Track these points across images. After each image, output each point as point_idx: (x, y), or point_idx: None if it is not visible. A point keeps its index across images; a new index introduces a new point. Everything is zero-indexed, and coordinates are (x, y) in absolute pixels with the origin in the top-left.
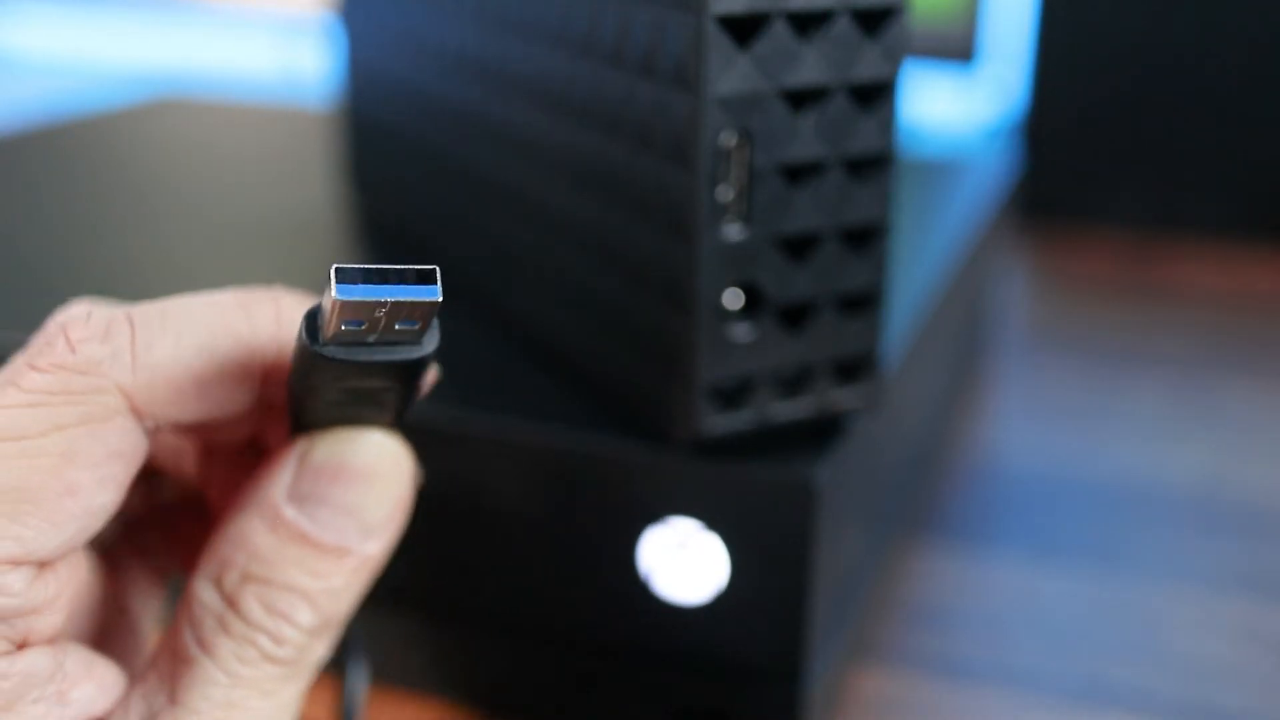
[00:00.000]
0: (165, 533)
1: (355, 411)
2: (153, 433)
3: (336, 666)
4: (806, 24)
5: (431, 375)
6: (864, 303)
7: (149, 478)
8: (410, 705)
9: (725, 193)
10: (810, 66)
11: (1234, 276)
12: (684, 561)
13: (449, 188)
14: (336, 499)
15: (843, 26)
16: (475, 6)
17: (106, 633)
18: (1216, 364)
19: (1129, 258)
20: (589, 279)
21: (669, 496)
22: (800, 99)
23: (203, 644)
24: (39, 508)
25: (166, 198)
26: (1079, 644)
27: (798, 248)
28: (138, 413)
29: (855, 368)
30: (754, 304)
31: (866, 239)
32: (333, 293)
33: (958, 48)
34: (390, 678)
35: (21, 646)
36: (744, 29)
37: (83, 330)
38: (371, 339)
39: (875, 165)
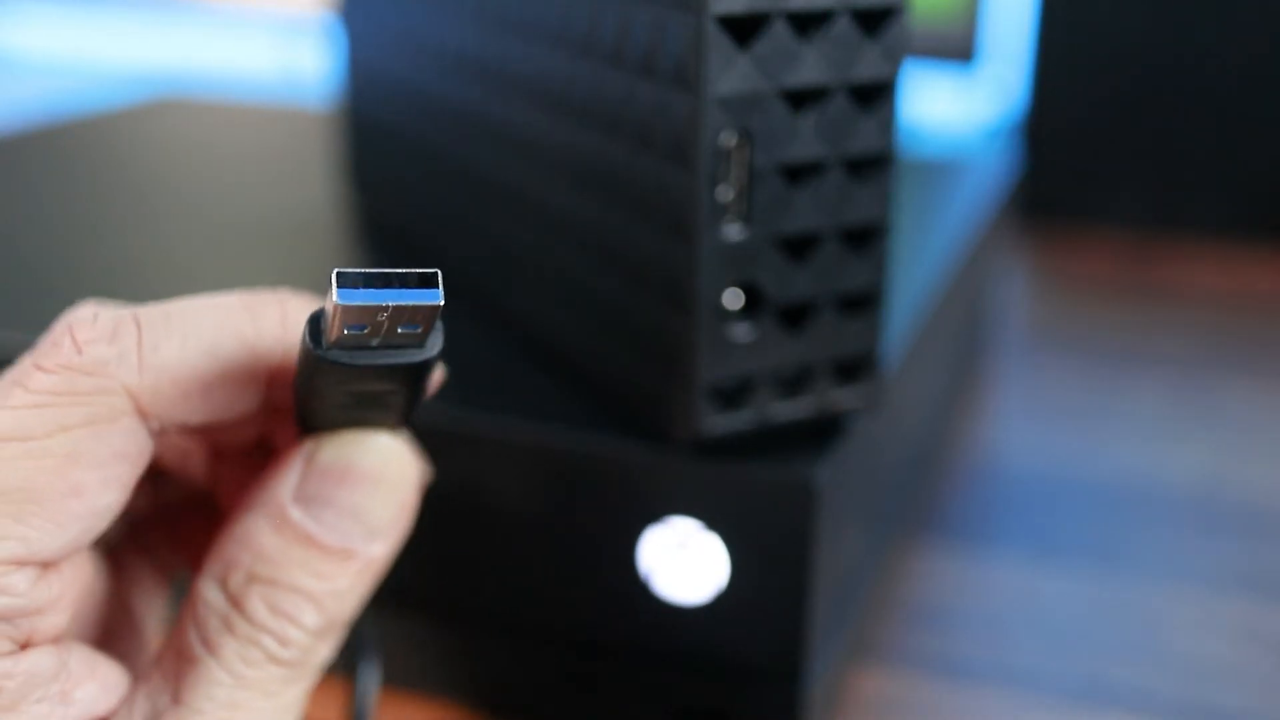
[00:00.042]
0: (171, 533)
1: (361, 414)
2: (157, 434)
3: (348, 667)
4: (806, 24)
5: (438, 376)
6: (864, 303)
7: (155, 478)
8: (410, 705)
9: (725, 193)
10: (810, 66)
11: (1234, 276)
12: (684, 561)
13: (449, 188)
14: (342, 501)
15: (843, 26)
16: (475, 6)
17: (110, 632)
18: (1216, 364)
19: (1129, 258)
20: (589, 279)
21: (669, 496)
22: (800, 99)
23: (207, 644)
24: (44, 508)
25: (166, 198)
26: (1079, 644)
27: (798, 248)
28: (143, 414)
29: (855, 368)
30: (754, 304)
31: (866, 239)
32: (334, 297)
33: (958, 48)
34: (390, 677)
35: (25, 646)
36: (744, 29)
37: (89, 331)
38: (375, 342)
39: (875, 165)
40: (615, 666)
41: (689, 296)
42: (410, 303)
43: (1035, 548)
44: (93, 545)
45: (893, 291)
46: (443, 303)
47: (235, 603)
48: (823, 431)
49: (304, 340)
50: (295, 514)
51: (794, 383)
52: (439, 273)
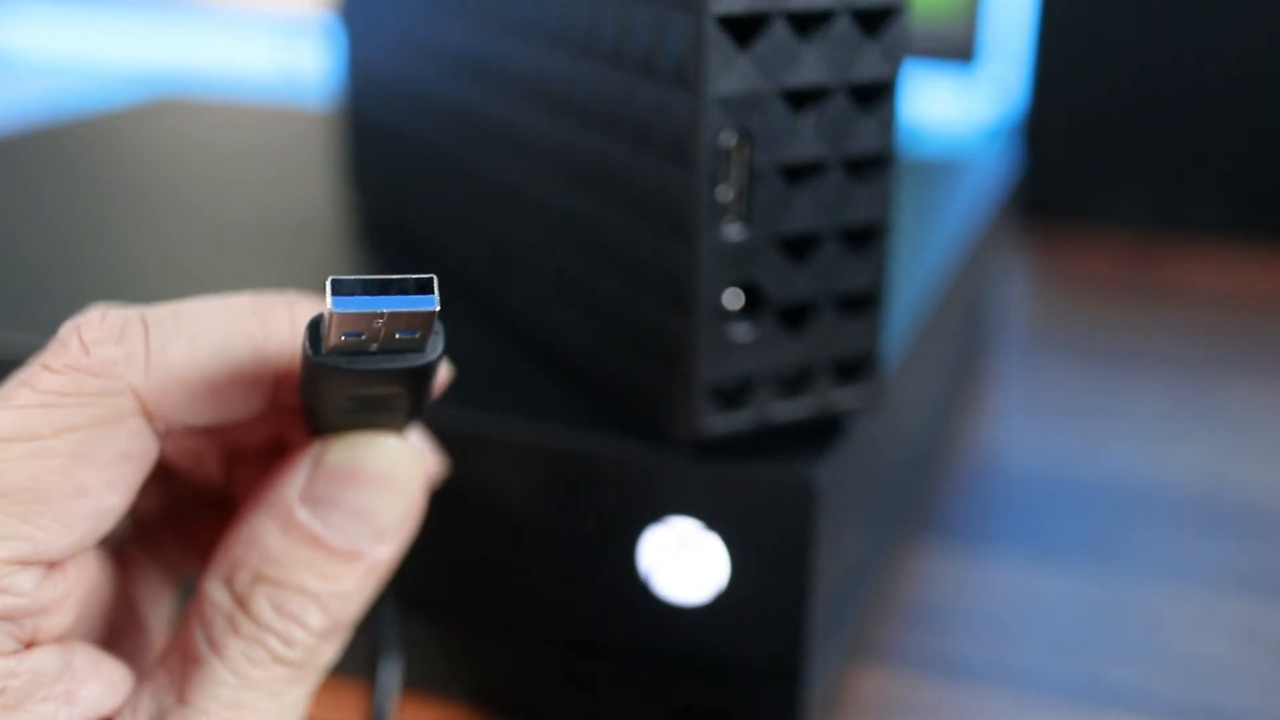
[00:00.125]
0: (184, 533)
1: (366, 417)
2: (163, 435)
3: (369, 667)
4: (806, 24)
5: (444, 377)
6: (864, 303)
7: (166, 479)
8: (409, 705)
9: (725, 193)
10: (810, 66)
11: (1234, 276)
12: (684, 561)
13: (449, 188)
14: (349, 503)
15: (843, 26)
16: (475, 6)
17: (115, 632)
18: (1216, 364)
19: (1129, 258)
20: (589, 279)
21: (669, 496)
22: (800, 99)
23: (212, 644)
24: (49, 508)
25: (166, 198)
26: (1079, 644)
27: (798, 248)
28: (149, 415)
29: (855, 368)
30: (754, 304)
31: (866, 239)
32: (328, 305)
33: (958, 48)
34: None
35: (30, 645)
36: (744, 29)
37: (97, 331)
38: (374, 347)
39: (875, 165)
40: (615, 666)
41: (689, 296)
42: (406, 309)
43: (1035, 548)
44: (98, 545)
45: (893, 291)
46: (438, 308)
47: (241, 603)
48: (823, 431)
49: (304, 346)
50: (302, 515)
51: (794, 383)
52: (434, 278)
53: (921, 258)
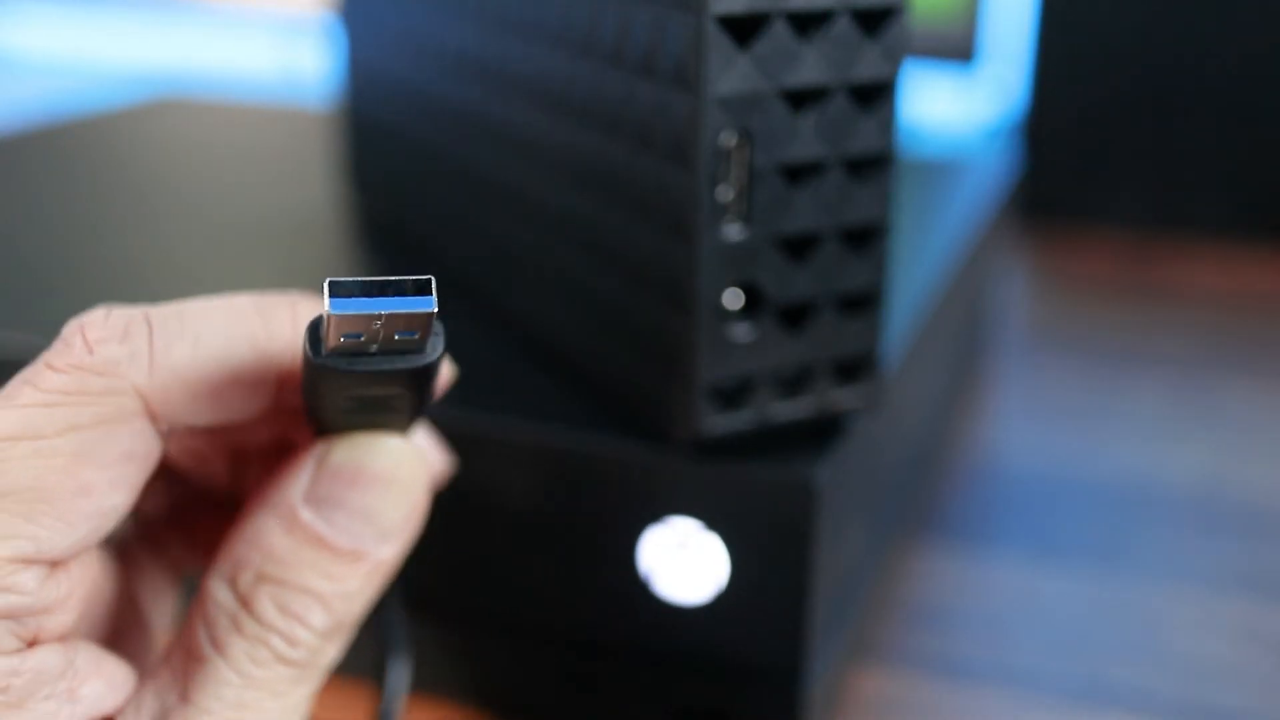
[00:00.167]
0: (187, 533)
1: (368, 417)
2: (166, 435)
3: (377, 668)
4: (806, 24)
5: (447, 377)
6: (864, 303)
7: (171, 479)
8: (410, 704)
9: (725, 193)
10: (810, 66)
11: (1234, 276)
12: (684, 561)
13: (449, 188)
14: (353, 503)
15: (843, 26)
16: (475, 6)
17: (118, 631)
18: (1216, 364)
19: (1129, 258)
20: (589, 279)
21: (669, 496)
22: (800, 99)
23: (216, 643)
24: (53, 507)
25: (166, 198)
26: (1079, 644)
27: (798, 248)
28: (152, 415)
29: (855, 368)
30: (754, 304)
31: (866, 239)
32: (326, 307)
33: (958, 48)
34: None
35: (32, 644)
36: (744, 29)
37: (101, 330)
38: (373, 348)
39: (875, 165)
40: (615, 666)
41: (689, 296)
42: (403, 310)
43: (1035, 548)
44: (102, 544)
45: (893, 291)
46: (436, 310)
47: (244, 602)
48: (823, 431)
49: (304, 347)
50: (306, 515)
51: (794, 383)
52: (432, 280)
53: (921, 258)
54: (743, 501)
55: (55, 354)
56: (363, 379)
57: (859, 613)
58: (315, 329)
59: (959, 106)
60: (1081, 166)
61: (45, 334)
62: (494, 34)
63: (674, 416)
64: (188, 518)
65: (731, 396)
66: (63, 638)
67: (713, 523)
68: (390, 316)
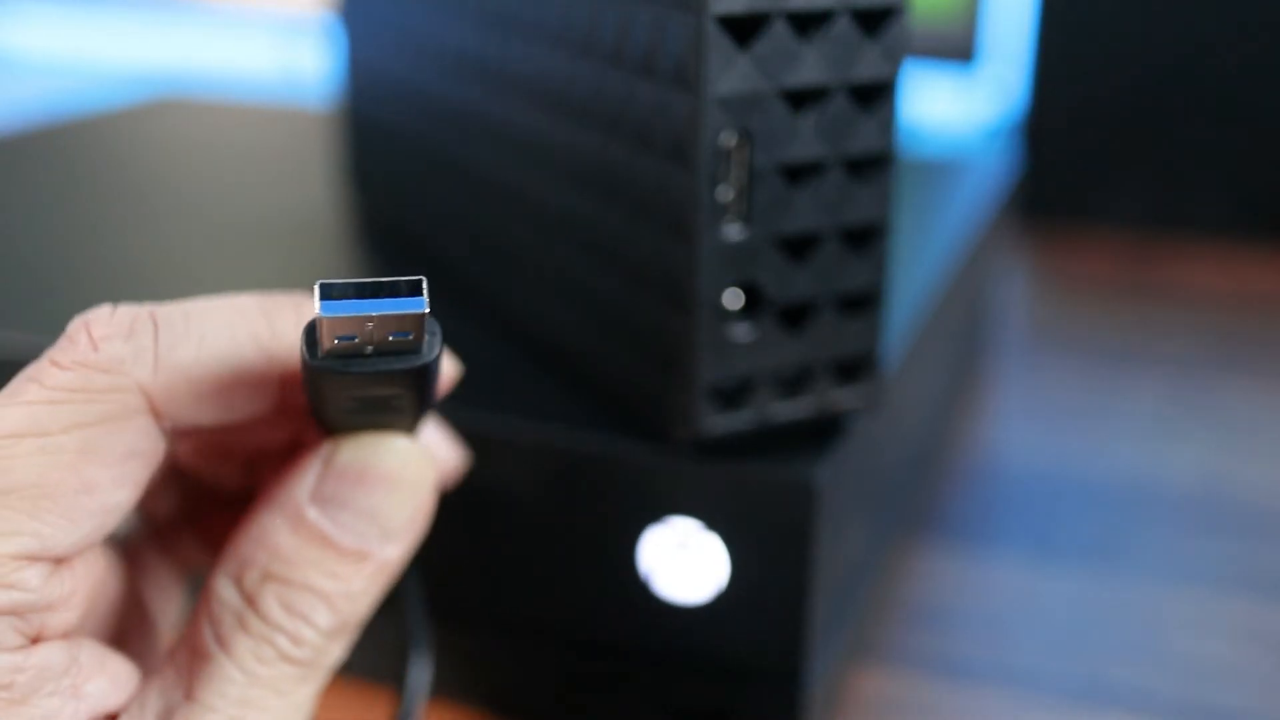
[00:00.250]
0: (203, 534)
1: (371, 418)
2: (170, 433)
3: (398, 667)
4: (806, 24)
5: (450, 377)
6: (864, 303)
7: (183, 481)
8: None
9: (725, 193)
10: (810, 66)
11: (1234, 276)
12: (684, 561)
13: (449, 188)
14: (359, 503)
15: (843, 26)
16: (475, 6)
17: (123, 630)
18: (1216, 364)
19: (1129, 258)
20: (589, 279)
21: (669, 496)
22: (800, 99)
23: (221, 641)
24: (56, 504)
25: (166, 198)
26: (1079, 644)
27: (798, 248)
28: (156, 413)
29: (855, 368)
30: (754, 304)
31: (866, 239)
32: (316, 309)
33: (958, 48)
34: (389, 678)
35: (36, 641)
36: (744, 29)
37: (106, 328)
38: (369, 349)
39: (875, 165)
40: (615, 666)
41: (689, 296)
42: (394, 311)
43: (1035, 548)
44: (108, 543)
45: (893, 291)
46: (427, 311)
47: (250, 601)
48: (823, 431)
49: (301, 350)
50: (312, 514)
51: (794, 383)
52: (424, 280)
53: (921, 258)
54: (743, 501)
55: (60, 351)
56: (360, 380)
57: (859, 613)
58: (311, 331)
59: (959, 106)
60: (1081, 166)
61: (45, 334)
62: (494, 34)
63: (674, 416)
64: (202, 519)
65: (731, 396)
66: (66, 635)
67: (713, 523)
68: (382, 318)
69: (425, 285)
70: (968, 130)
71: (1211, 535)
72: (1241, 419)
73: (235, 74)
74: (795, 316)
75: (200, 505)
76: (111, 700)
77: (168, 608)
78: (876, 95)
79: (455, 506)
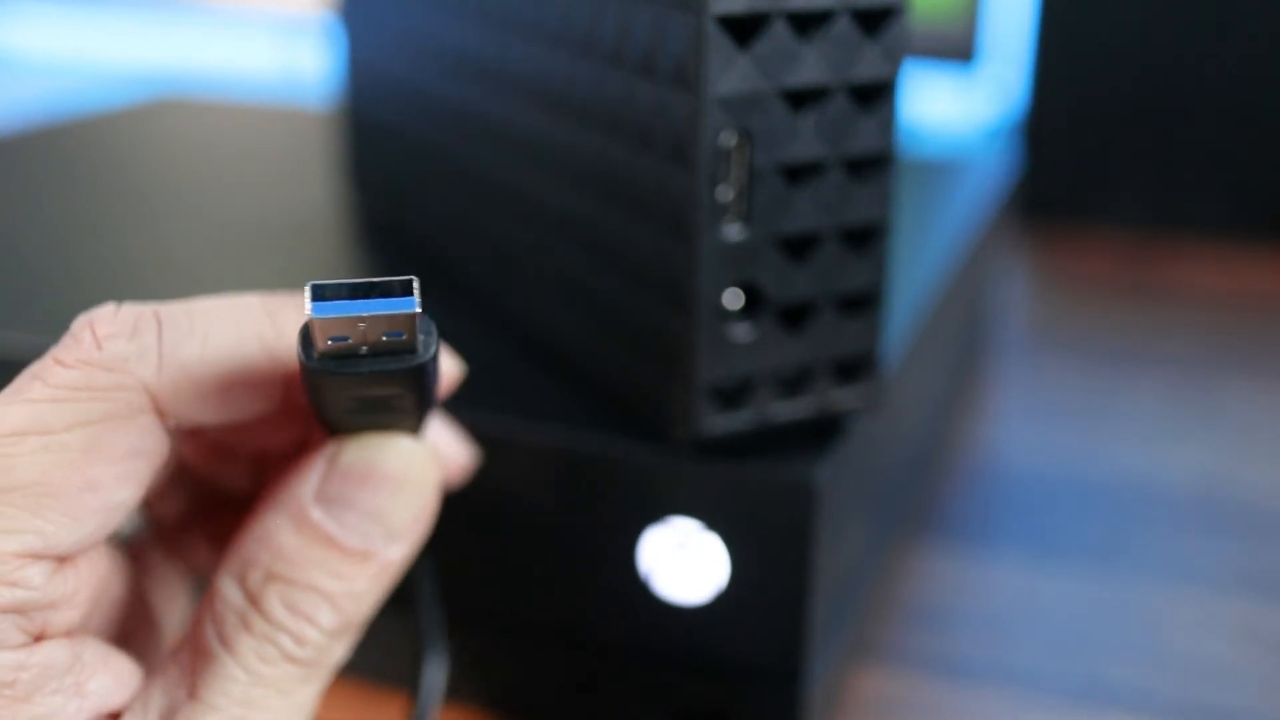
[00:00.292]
0: (211, 535)
1: (373, 417)
2: (174, 432)
3: (413, 667)
4: (806, 24)
5: (453, 376)
6: (864, 303)
7: (190, 482)
8: (409, 704)
9: (725, 193)
10: (810, 66)
11: (1234, 276)
12: (684, 561)
13: (449, 188)
14: (363, 503)
15: (843, 26)
16: (475, 6)
17: (128, 630)
18: (1216, 364)
19: (1129, 258)
20: (589, 279)
21: (669, 496)
22: (800, 99)
23: (224, 641)
24: (60, 502)
25: (166, 198)
26: (1079, 644)
27: (798, 248)
28: (160, 412)
29: (855, 368)
30: (754, 304)
31: (866, 239)
32: (307, 310)
33: (958, 48)
34: (389, 678)
35: (39, 639)
36: (744, 29)
37: (110, 326)
38: (364, 350)
39: (875, 165)
40: (615, 666)
41: (689, 296)
42: (384, 312)
43: (1035, 548)
44: (113, 544)
45: (893, 291)
46: (418, 311)
47: (253, 600)
48: (823, 431)
49: (298, 351)
50: (316, 514)
51: (794, 383)
52: (415, 280)
53: (921, 258)
54: (743, 501)
55: (64, 349)
56: (356, 381)
57: (859, 613)
58: (307, 332)
59: (959, 106)
60: (1081, 166)
61: (45, 334)
62: (494, 34)
63: (674, 416)
64: (211, 521)
65: (731, 396)
66: (69, 633)
67: (713, 523)
68: (374, 318)
69: (417, 285)
70: (968, 130)
71: (1211, 535)
72: (1241, 419)
73: (235, 74)
74: (795, 316)
75: (209, 507)
76: (114, 698)
77: (173, 608)
78: (876, 95)
79: (455, 507)
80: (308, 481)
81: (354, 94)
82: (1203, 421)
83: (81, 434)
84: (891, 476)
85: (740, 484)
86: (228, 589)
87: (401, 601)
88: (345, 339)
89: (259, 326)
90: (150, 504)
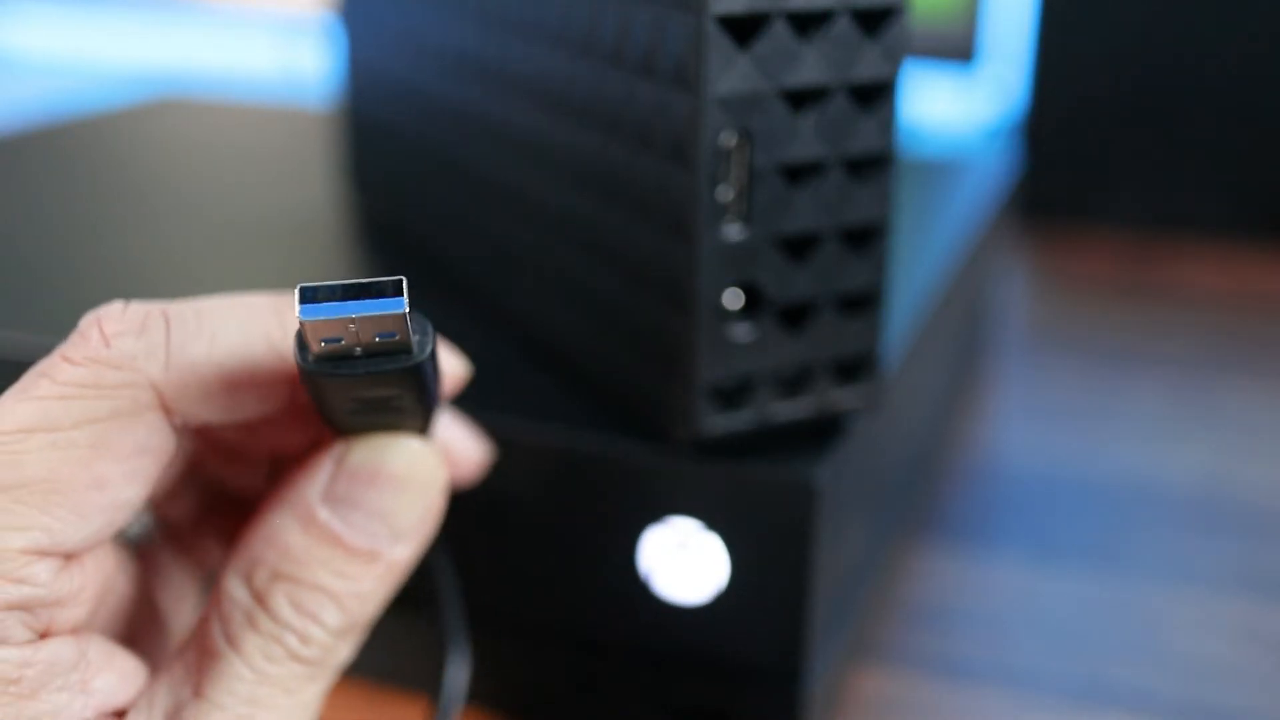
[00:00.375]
0: (224, 537)
1: (376, 418)
2: (181, 430)
3: (436, 669)
4: (806, 24)
5: (457, 376)
6: (864, 303)
7: (202, 482)
8: (410, 705)
9: (725, 193)
10: (810, 66)
11: (1234, 276)
12: (684, 561)
13: (449, 188)
14: (370, 503)
15: (843, 26)
16: (475, 6)
17: (134, 630)
18: (1216, 364)
19: (1129, 258)
20: (589, 279)
21: (669, 496)
22: (800, 99)
23: (230, 639)
24: (67, 499)
25: (166, 198)
26: (1079, 644)
27: (798, 248)
28: (167, 410)
29: (855, 368)
30: (754, 304)
31: (866, 239)
32: (296, 312)
33: (958, 48)
34: (389, 677)
35: (44, 636)
36: (744, 29)
37: (118, 324)
38: (358, 351)
39: (875, 165)
40: (615, 666)
41: (689, 296)
42: (372, 313)
43: (1035, 548)
44: (120, 543)
45: (893, 291)
46: (406, 311)
47: (259, 599)
48: (823, 431)
49: (294, 353)
50: (323, 514)
51: (794, 383)
52: (403, 280)
53: (921, 258)
54: (743, 501)
55: (72, 347)
56: (352, 382)
57: (859, 613)
58: (302, 335)
59: (959, 106)
60: (1081, 166)
61: (45, 334)
62: (494, 34)
63: (674, 416)
64: (222, 521)
65: (731, 396)
66: (75, 631)
67: (713, 523)
68: (364, 320)
69: (406, 285)
70: (968, 130)
71: (1211, 535)
72: (1241, 419)
73: (235, 74)
74: (795, 316)
75: (220, 507)
76: (120, 696)
77: (181, 608)
78: (876, 95)
79: (455, 507)
80: (315, 481)
81: (354, 94)
82: (1203, 421)
83: (89, 431)
84: (891, 476)
85: (740, 484)
86: (234, 588)
87: (408, 602)
88: (338, 340)
89: (266, 326)
90: (161, 504)
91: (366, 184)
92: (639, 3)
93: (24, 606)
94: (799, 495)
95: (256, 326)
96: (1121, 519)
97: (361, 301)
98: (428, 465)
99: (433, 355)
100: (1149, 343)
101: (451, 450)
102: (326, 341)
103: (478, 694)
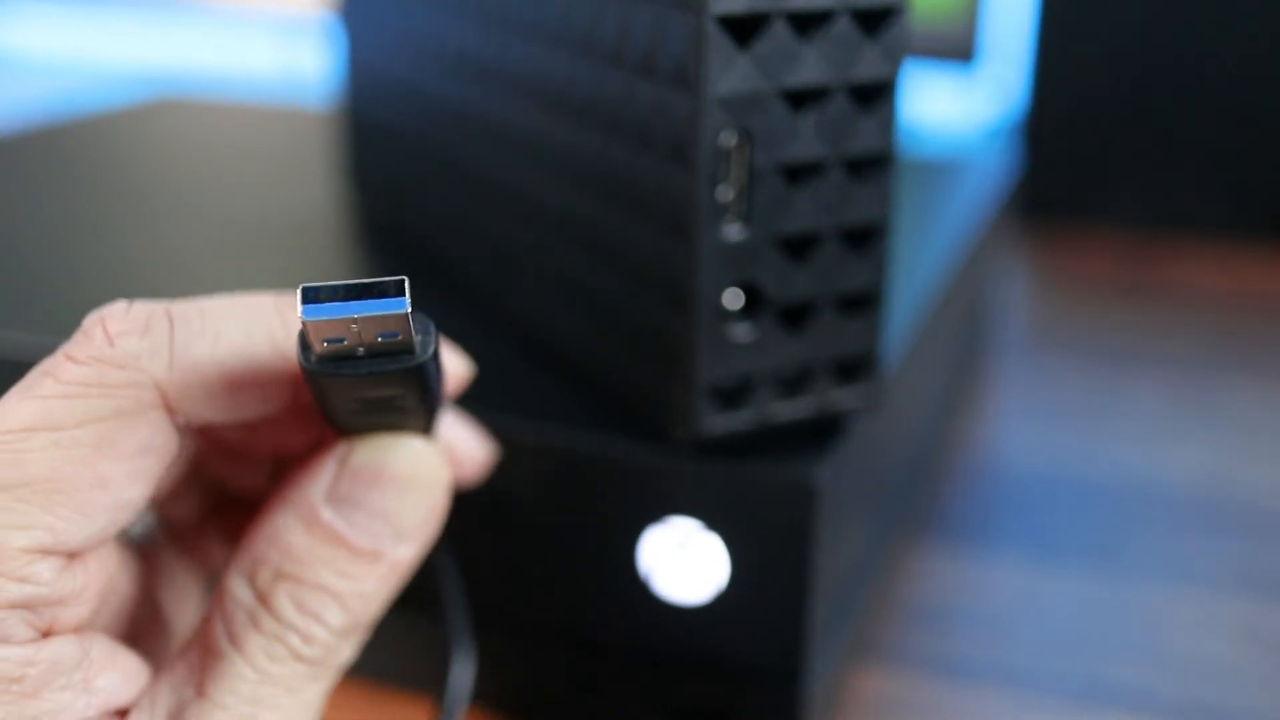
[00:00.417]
0: (228, 537)
1: (380, 418)
2: (185, 430)
3: (440, 668)
4: (806, 24)
5: (460, 376)
6: (864, 303)
7: (206, 483)
8: (409, 705)
9: (725, 193)
10: (810, 66)
11: (1234, 276)
12: (684, 561)
13: (449, 188)
14: (373, 503)
15: (843, 26)
16: (475, 6)
17: (137, 629)
18: (1216, 364)
19: (1129, 258)
20: (589, 279)
21: (669, 496)
22: (800, 99)
23: (233, 639)
24: (70, 498)
25: (166, 198)
26: (1079, 644)
27: (798, 248)
28: (171, 409)
29: (855, 368)
30: (754, 304)
31: (866, 239)
32: (298, 313)
33: (958, 48)
34: (389, 677)
35: (47, 635)
36: (744, 29)
37: (121, 323)
38: (361, 351)
39: (875, 165)
40: (615, 666)
41: (689, 296)
42: (375, 313)
43: (1035, 548)
44: (124, 542)
45: (893, 291)
46: (408, 311)
47: (262, 599)
48: (823, 431)
49: (297, 353)
50: (326, 514)
51: (794, 383)
52: (405, 280)
53: (921, 258)
54: (743, 501)
55: (75, 346)
56: (354, 382)
57: (859, 613)
58: (304, 335)
59: (959, 106)
60: (1081, 166)
61: (45, 334)
62: (494, 34)
63: (674, 416)
64: (227, 521)
65: (731, 396)
66: (78, 630)
67: (713, 523)
68: (366, 320)
69: (408, 286)
70: (968, 130)
71: (1211, 535)
72: (1241, 419)
73: (235, 74)
74: (795, 316)
75: (224, 507)
76: (122, 695)
77: (184, 608)
78: (876, 95)
79: (456, 507)
80: (318, 481)
81: (354, 94)
82: (1203, 421)
83: (92, 430)
84: (891, 476)
85: (740, 484)
86: (237, 587)
87: (411, 602)
88: (341, 341)
89: (270, 326)
90: (164, 503)
91: (366, 184)
92: (639, 3)
93: (27, 605)
94: (799, 495)
95: (260, 326)
96: (1121, 519)
97: (364, 301)
98: (431, 465)
99: (435, 355)
100: (1149, 343)
101: (455, 450)
102: (329, 342)
103: (478, 693)
